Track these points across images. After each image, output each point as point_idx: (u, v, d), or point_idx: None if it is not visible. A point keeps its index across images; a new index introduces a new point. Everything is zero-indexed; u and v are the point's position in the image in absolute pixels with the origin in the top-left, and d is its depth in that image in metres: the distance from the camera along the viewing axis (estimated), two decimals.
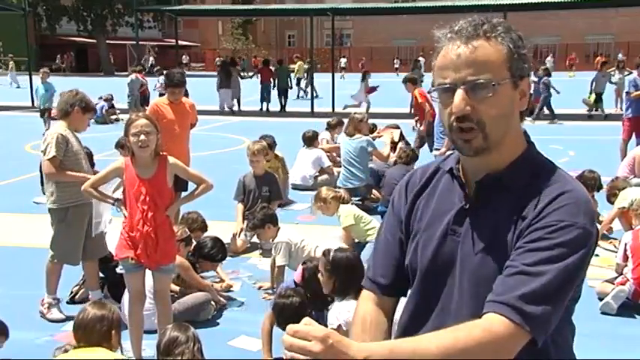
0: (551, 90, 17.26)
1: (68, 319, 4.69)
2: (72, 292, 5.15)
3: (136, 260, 3.78)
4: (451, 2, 21.20)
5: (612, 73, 19.21)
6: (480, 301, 1.43)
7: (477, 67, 1.45)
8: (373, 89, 19.72)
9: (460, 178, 1.59)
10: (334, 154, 9.91)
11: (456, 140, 1.51)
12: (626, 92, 10.92)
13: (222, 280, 5.45)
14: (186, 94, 7.53)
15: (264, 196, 6.77)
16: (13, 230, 7.35)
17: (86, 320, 3.17)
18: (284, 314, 3.80)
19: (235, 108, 21.00)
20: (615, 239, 6.26)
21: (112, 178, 4.07)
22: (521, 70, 1.50)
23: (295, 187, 9.04)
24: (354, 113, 8.67)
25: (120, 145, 7.86)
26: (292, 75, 26.01)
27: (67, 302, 5.06)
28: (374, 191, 8.30)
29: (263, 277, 5.60)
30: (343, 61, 45.28)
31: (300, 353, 1.24)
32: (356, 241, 6.03)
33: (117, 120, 17.57)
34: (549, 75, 17.63)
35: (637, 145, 9.97)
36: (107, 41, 49.51)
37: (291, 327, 1.26)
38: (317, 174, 9.38)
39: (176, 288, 4.79)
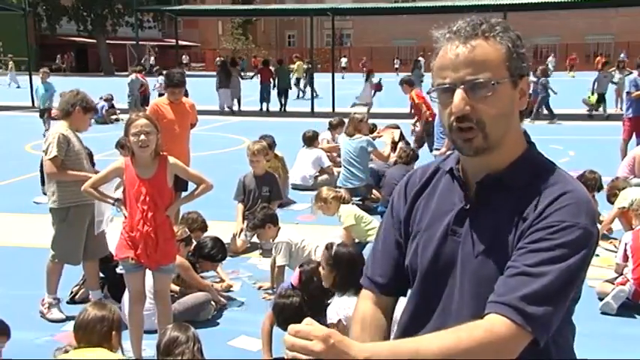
0: (549, 90, 17.25)
1: (68, 319, 4.70)
2: (72, 292, 5.15)
3: (136, 260, 3.78)
4: (451, 2, 21.19)
5: (613, 73, 19.21)
6: (481, 302, 1.43)
7: (475, 66, 1.44)
8: (379, 85, 19.92)
9: (460, 179, 1.59)
10: (334, 155, 9.92)
11: (456, 140, 1.50)
12: (627, 92, 10.91)
13: (222, 280, 5.45)
14: (186, 94, 7.53)
15: (264, 196, 6.77)
16: (13, 230, 7.35)
17: (86, 321, 3.17)
18: (284, 314, 3.80)
19: (235, 108, 21.01)
20: (615, 239, 6.25)
21: (112, 178, 4.07)
22: (521, 70, 1.50)
23: (295, 187, 9.04)
24: (354, 113, 8.68)
25: (120, 145, 7.87)
26: (292, 75, 26.04)
27: (67, 302, 5.06)
28: (374, 191, 8.30)
29: (263, 277, 5.60)
30: (344, 60, 45.28)
31: (302, 353, 1.24)
32: (356, 241, 6.03)
33: (117, 120, 17.57)
34: (547, 75, 17.61)
35: (637, 145, 9.97)
36: (107, 41, 49.51)
37: (292, 327, 1.26)
38: (317, 174, 9.38)
39: (176, 288, 4.79)
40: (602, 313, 4.87)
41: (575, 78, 38.25)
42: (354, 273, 3.62)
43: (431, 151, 10.27)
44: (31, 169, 9.59)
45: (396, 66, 46.48)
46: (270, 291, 5.28)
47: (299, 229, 6.51)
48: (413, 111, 11.55)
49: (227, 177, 7.63)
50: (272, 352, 4.00)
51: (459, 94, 1.45)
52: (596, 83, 18.38)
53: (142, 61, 39.31)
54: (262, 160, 7.00)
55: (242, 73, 21.92)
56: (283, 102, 21.63)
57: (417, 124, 11.02)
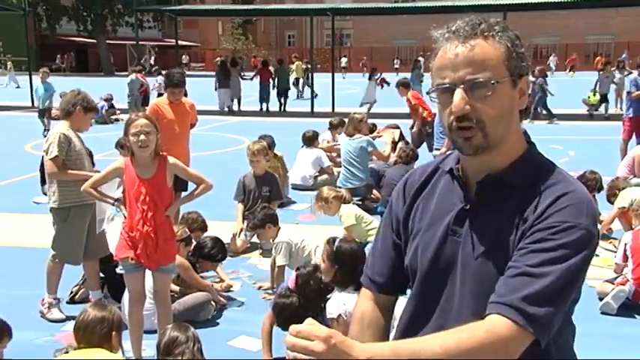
0: (546, 91, 17.24)
1: (68, 319, 4.70)
2: (72, 292, 5.15)
3: (135, 260, 3.78)
4: (451, 2, 21.20)
5: (614, 73, 19.20)
6: (482, 302, 1.43)
7: (475, 66, 1.44)
8: (384, 80, 20.05)
9: (460, 179, 1.59)
10: (334, 155, 9.92)
11: (456, 139, 1.50)
12: (627, 92, 10.90)
13: (222, 280, 5.45)
14: (185, 94, 7.53)
15: (264, 196, 6.77)
16: (13, 230, 7.35)
17: (86, 321, 3.17)
18: (284, 314, 3.80)
19: (235, 108, 21.01)
20: (615, 239, 6.25)
21: (112, 179, 4.07)
22: (520, 69, 1.50)
23: (295, 187, 9.04)
24: (354, 113, 8.68)
25: (120, 145, 7.87)
26: (290, 75, 26.08)
27: (67, 302, 5.06)
28: (374, 191, 8.30)
29: (263, 277, 5.60)
30: (344, 60, 45.26)
31: (303, 353, 1.24)
32: (357, 241, 6.03)
33: (117, 120, 17.57)
34: (545, 76, 17.60)
35: (637, 144, 9.96)
36: (107, 41, 49.50)
37: (293, 327, 1.26)
38: (317, 174, 9.38)
39: (176, 288, 4.79)
40: (602, 313, 4.87)
41: (574, 78, 38.25)
42: (355, 269, 3.65)
43: (430, 150, 10.29)
44: (31, 169, 9.59)
45: (396, 66, 46.47)
46: (270, 291, 5.28)
47: (299, 229, 6.51)
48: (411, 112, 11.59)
49: (227, 177, 7.63)
50: (272, 352, 3.99)
51: (458, 93, 1.45)
52: (598, 84, 18.35)
53: (142, 61, 39.31)
54: (262, 160, 7.00)
55: (242, 73, 21.87)
56: (283, 102, 21.65)
57: (414, 125, 11.07)
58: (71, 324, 3.99)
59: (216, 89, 20.98)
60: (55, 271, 4.86)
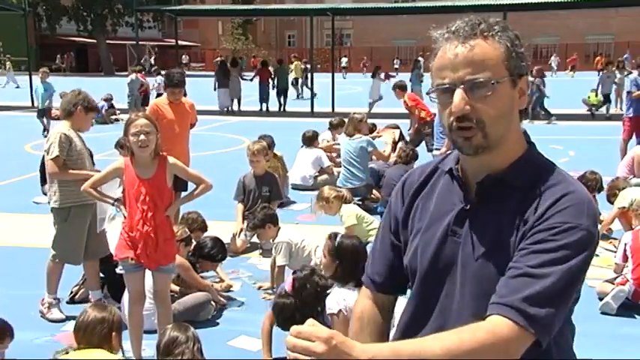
0: (543, 91, 17.23)
1: (68, 319, 4.70)
2: (72, 292, 5.15)
3: (135, 260, 3.78)
4: (451, 2, 21.20)
5: (616, 73, 19.18)
6: (482, 302, 1.43)
7: (475, 66, 1.44)
8: (389, 75, 20.13)
9: (460, 179, 1.59)
10: (333, 155, 9.92)
11: (456, 139, 1.50)
12: (628, 92, 10.87)
13: (222, 280, 5.45)
14: (184, 94, 7.54)
15: (264, 196, 6.77)
16: (13, 230, 7.35)
17: (86, 322, 3.17)
18: (284, 314, 3.80)
19: (235, 108, 21.01)
20: (615, 239, 6.25)
21: (112, 179, 4.07)
22: (520, 69, 1.49)
23: (295, 187, 9.04)
24: (354, 113, 8.68)
25: (120, 145, 7.87)
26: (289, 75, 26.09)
27: (67, 302, 5.06)
28: (374, 191, 8.30)
29: (263, 277, 5.60)
30: (345, 60, 45.25)
31: (304, 354, 1.24)
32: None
33: (117, 120, 17.57)
34: (543, 76, 17.59)
35: (637, 144, 9.96)
36: (107, 41, 49.50)
37: (294, 328, 1.27)
38: (317, 174, 9.38)
39: (176, 288, 4.79)
40: (602, 313, 4.87)
41: (574, 78, 38.26)
42: (356, 265, 3.67)
43: (429, 150, 10.30)
44: (31, 169, 9.59)
45: (396, 66, 46.48)
46: (270, 291, 5.28)
47: (299, 229, 6.51)
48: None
49: (227, 177, 7.63)
50: (272, 352, 3.99)
51: (458, 93, 1.45)
52: (600, 85, 18.30)
53: (142, 61, 39.32)
54: (262, 160, 7.00)
55: (242, 74, 21.87)
56: (283, 102, 21.65)
57: (411, 126, 11.15)
58: (71, 324, 3.99)
59: (215, 89, 20.99)
60: (55, 271, 4.86)
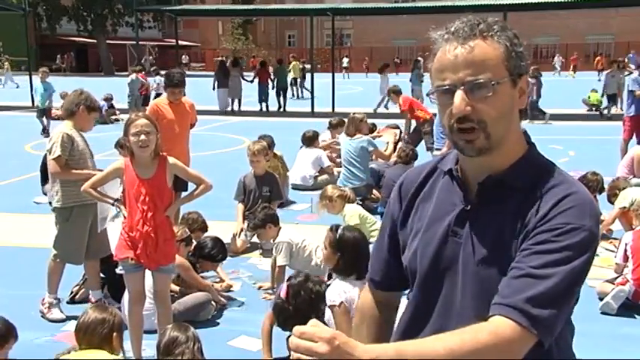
0: (541, 90, 17.23)
1: (68, 318, 4.70)
2: (72, 292, 5.15)
3: (135, 260, 3.78)
4: (451, 2, 21.19)
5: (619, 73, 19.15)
6: (483, 303, 1.43)
7: (475, 67, 1.44)
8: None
9: (460, 179, 1.59)
10: (334, 155, 9.92)
11: (457, 141, 1.50)
12: (630, 91, 10.83)
13: (222, 280, 5.45)
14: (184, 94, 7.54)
15: (264, 196, 6.77)
16: (13, 230, 7.35)
17: (87, 323, 3.18)
18: (284, 314, 3.80)
19: (236, 108, 21.00)
20: (615, 239, 6.25)
21: (112, 179, 4.07)
22: (519, 68, 1.49)
23: (295, 187, 9.04)
24: (354, 113, 8.68)
25: (119, 145, 7.87)
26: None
27: (67, 302, 5.06)
28: (374, 191, 8.30)
29: (263, 277, 5.60)
30: (346, 60, 45.26)
31: (307, 354, 1.24)
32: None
33: (117, 120, 17.56)
34: (538, 77, 17.58)
35: (637, 144, 9.95)
36: (107, 41, 49.49)
37: (297, 328, 1.27)
38: (317, 174, 9.39)
39: (176, 288, 4.79)
40: (602, 313, 4.87)
41: (575, 78, 38.27)
42: (357, 258, 3.67)
43: (428, 149, 10.32)
44: (31, 169, 9.59)
45: (397, 60, 46.40)
46: (270, 291, 5.28)
47: (299, 229, 6.51)
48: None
49: (227, 177, 7.63)
50: (272, 352, 3.99)
51: (459, 95, 1.44)
52: (605, 85, 18.23)
53: (142, 61, 39.31)
54: (262, 160, 7.00)
55: (243, 74, 21.82)
56: (282, 102, 21.63)
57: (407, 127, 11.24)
58: (71, 324, 3.99)
59: (213, 89, 20.98)
60: (56, 270, 4.86)
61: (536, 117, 16.65)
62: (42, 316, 4.82)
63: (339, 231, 3.99)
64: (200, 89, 21.87)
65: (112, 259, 4.14)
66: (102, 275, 5.08)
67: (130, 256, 3.77)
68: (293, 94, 26.29)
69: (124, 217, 3.87)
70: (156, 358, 3.32)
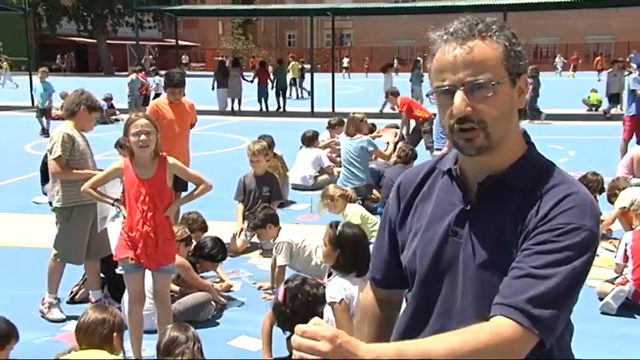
0: (539, 90, 17.23)
1: (68, 318, 4.70)
2: (72, 292, 5.15)
3: (135, 260, 3.78)
4: (451, 2, 21.19)
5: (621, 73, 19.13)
6: (484, 302, 1.43)
7: (475, 67, 1.44)
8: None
9: (459, 179, 1.59)
10: (334, 155, 9.93)
11: (457, 141, 1.50)
12: (631, 90, 10.81)
13: (222, 280, 5.45)
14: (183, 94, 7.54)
15: (264, 196, 6.77)
16: (13, 230, 7.35)
17: (87, 323, 3.18)
18: (284, 314, 3.80)
19: (235, 108, 20.99)
20: (615, 239, 6.25)
21: (112, 179, 4.07)
22: (518, 68, 1.49)
23: (295, 187, 9.04)
24: (354, 113, 8.69)
25: (119, 145, 7.86)
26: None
27: (67, 302, 5.06)
28: (374, 191, 8.30)
29: (263, 277, 5.60)
30: (346, 60, 45.25)
31: (309, 353, 1.24)
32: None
33: (117, 120, 17.56)
34: (535, 76, 17.58)
35: (637, 144, 9.94)
36: (107, 41, 49.49)
37: (299, 327, 1.27)
38: (317, 174, 9.39)
39: (176, 288, 4.79)
40: (602, 313, 4.87)
41: (575, 78, 38.28)
42: (357, 254, 3.67)
43: (427, 148, 10.32)
44: (31, 169, 9.59)
45: (396, 66, 46.40)
46: (270, 291, 5.28)
47: (299, 229, 6.51)
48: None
49: (227, 177, 7.63)
50: (272, 352, 3.99)
51: (459, 95, 1.44)
52: (609, 85, 18.20)
53: (142, 61, 39.31)
54: (262, 160, 7.00)
55: (243, 74, 21.82)
56: (282, 101, 21.63)
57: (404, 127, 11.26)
58: (71, 324, 3.99)
59: (213, 89, 20.97)
60: (56, 270, 4.86)
61: (534, 117, 16.66)
62: (42, 316, 4.82)
63: (339, 227, 3.98)
64: (200, 89, 21.86)
65: (112, 259, 4.14)
66: (102, 275, 5.08)
67: (130, 256, 3.77)
68: (291, 94, 26.30)
69: (124, 217, 3.87)
70: (156, 358, 3.32)
